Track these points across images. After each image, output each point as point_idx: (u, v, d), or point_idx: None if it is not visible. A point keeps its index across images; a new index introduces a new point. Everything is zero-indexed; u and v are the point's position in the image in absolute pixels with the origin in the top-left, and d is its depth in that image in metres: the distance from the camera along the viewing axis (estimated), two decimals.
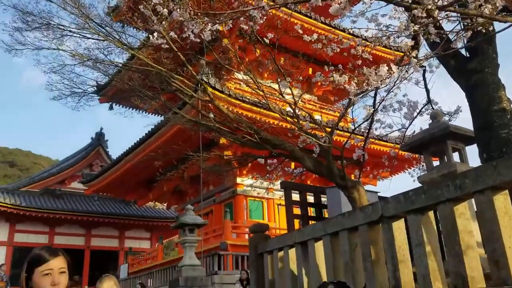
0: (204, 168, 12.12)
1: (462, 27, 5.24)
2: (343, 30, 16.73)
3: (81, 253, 28.64)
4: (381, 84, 4.61)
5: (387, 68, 4.39)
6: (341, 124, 15.21)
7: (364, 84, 4.68)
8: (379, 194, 7.29)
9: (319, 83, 21.31)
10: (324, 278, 5.12)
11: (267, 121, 14.33)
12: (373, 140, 15.66)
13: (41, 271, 1.95)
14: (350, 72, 5.17)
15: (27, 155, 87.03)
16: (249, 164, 15.39)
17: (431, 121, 5.98)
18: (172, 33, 5.29)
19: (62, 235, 28.44)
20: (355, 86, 4.86)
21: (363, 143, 7.46)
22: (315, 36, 5.97)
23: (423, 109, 7.36)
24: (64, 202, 29.45)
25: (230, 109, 9.18)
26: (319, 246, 5.35)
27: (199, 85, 8.19)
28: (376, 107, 6.09)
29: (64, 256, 2.06)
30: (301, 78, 8.98)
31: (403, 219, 4.29)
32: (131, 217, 30.86)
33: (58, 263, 2.00)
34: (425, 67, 6.74)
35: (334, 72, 5.17)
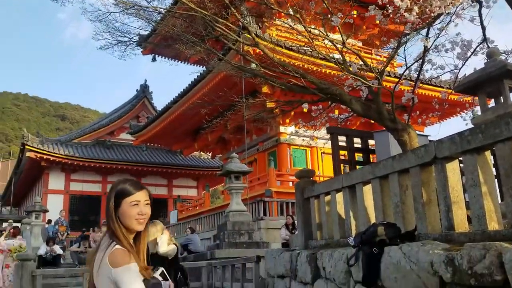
0: (248, 116, 12.13)
1: None
2: None
3: None
4: (445, 10, 4.34)
5: None
6: (388, 69, 14.67)
7: (427, 10, 4.42)
8: (429, 138, 7.10)
9: (364, 27, 20.50)
10: (373, 221, 5.12)
11: (311, 67, 14.04)
12: (422, 84, 15.10)
13: (129, 202, 2.10)
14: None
15: (76, 109, 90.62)
16: (292, 112, 15.29)
17: (486, 60, 5.64)
18: None
19: None
20: (416, 14, 4.58)
21: (413, 86, 7.20)
22: None
23: (478, 48, 6.96)
24: (114, 152, 30.67)
25: (273, 55, 9.01)
26: (367, 190, 5.31)
27: (243, 28, 8.05)
28: (431, 44, 5.78)
29: (147, 189, 2.21)
30: (354, 13, 8.60)
31: (457, 161, 4.16)
32: (178, 166, 31.83)
33: (143, 195, 2.15)
34: (481, 1, 6.31)
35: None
